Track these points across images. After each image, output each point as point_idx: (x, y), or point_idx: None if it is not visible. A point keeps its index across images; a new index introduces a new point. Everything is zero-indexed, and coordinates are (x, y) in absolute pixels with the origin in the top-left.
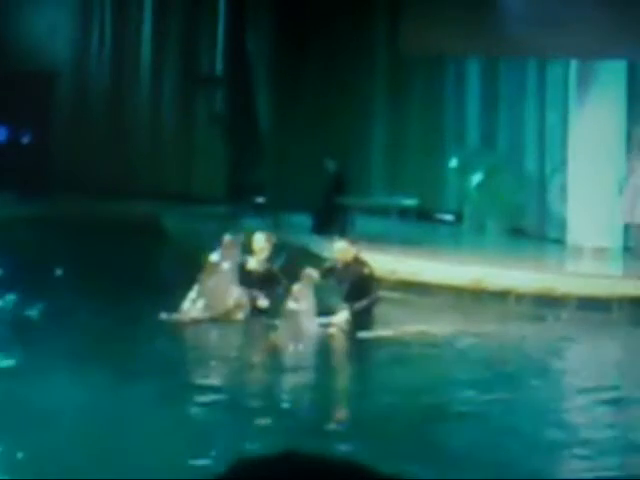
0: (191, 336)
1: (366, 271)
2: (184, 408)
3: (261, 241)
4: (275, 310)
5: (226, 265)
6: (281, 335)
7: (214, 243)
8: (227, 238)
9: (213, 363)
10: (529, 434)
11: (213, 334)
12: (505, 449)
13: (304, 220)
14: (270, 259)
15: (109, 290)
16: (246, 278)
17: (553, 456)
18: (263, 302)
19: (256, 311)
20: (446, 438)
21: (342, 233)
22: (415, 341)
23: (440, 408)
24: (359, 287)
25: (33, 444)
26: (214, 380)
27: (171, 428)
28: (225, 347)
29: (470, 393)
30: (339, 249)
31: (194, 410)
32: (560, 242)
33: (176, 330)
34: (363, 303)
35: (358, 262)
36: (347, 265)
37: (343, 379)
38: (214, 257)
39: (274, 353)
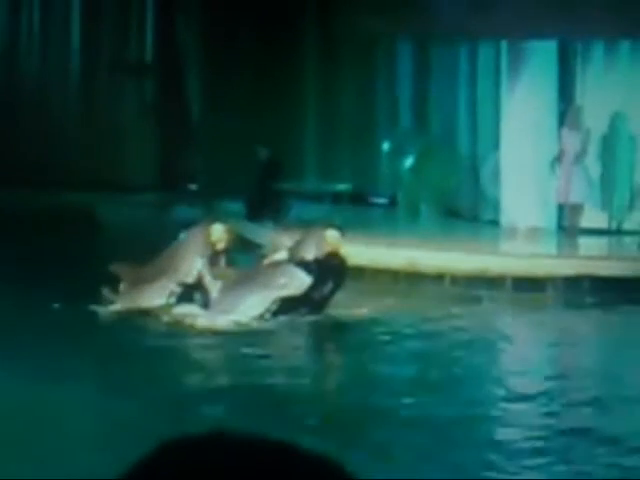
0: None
1: (346, 267)
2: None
3: (219, 232)
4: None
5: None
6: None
7: (148, 231)
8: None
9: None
10: (458, 421)
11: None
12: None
13: (237, 207)
14: (228, 252)
15: (40, 282)
16: None
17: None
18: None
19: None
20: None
21: (276, 219)
22: (350, 324)
23: (365, 400)
24: (334, 280)
25: None
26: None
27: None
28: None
29: (402, 379)
30: (332, 238)
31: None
32: (494, 223)
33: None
34: (326, 293)
35: (340, 255)
36: (330, 256)
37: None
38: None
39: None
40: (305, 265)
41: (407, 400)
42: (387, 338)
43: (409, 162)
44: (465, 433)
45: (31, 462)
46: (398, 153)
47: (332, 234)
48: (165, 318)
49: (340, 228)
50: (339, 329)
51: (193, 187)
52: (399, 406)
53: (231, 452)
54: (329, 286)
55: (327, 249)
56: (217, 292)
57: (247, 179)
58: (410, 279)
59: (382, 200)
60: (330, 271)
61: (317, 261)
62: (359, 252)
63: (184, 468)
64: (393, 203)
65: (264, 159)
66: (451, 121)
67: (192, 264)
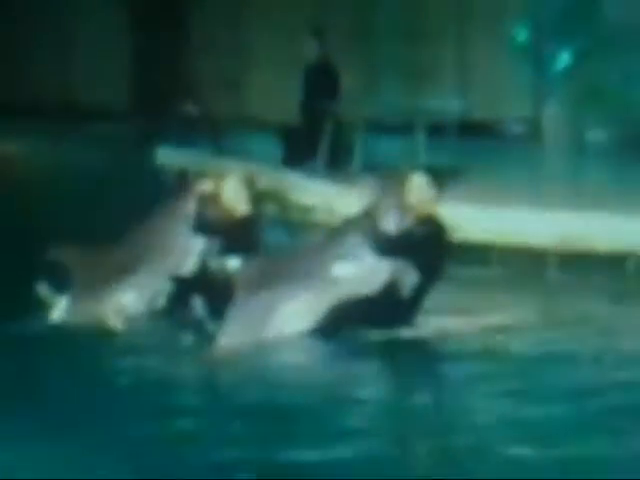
0: None
1: (445, 239)
2: None
3: (234, 189)
4: None
5: None
6: None
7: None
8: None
9: None
10: None
11: None
12: None
13: (266, 142)
14: (253, 223)
15: None
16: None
17: None
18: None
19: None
20: None
21: (333, 164)
22: (487, 340)
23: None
24: (429, 265)
25: None
26: None
27: None
28: None
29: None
30: (422, 191)
31: None
32: None
33: None
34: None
35: (435, 221)
36: (421, 223)
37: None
38: None
39: None
40: (381, 242)
41: None
42: (540, 367)
43: (561, 64)
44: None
45: None
46: (542, 48)
47: (422, 185)
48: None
49: (438, 174)
50: (443, 356)
51: (191, 109)
52: None
53: None
54: (422, 276)
55: (415, 212)
56: (236, 293)
57: (285, 96)
58: (566, 263)
59: (517, 128)
60: (421, 250)
61: (400, 235)
62: (479, 219)
63: None
64: (534, 132)
65: (314, 64)
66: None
67: (189, 244)
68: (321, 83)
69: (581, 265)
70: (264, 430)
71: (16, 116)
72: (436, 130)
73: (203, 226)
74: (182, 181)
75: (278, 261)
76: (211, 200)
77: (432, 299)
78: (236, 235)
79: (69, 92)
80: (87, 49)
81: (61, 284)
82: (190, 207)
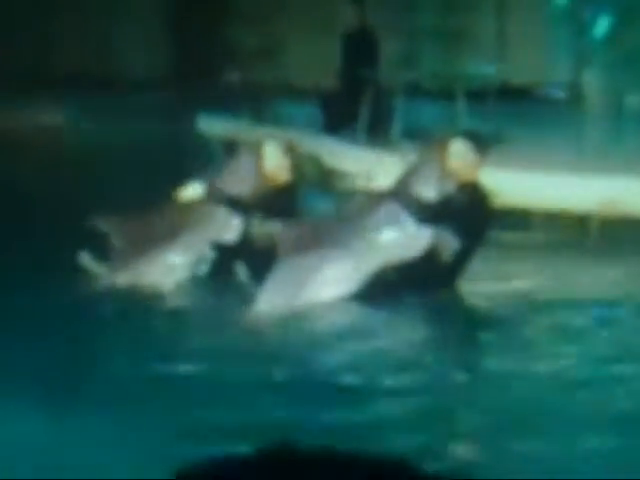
0: None
1: (487, 205)
2: None
3: (276, 154)
4: None
5: None
6: None
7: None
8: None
9: None
10: None
11: None
12: None
13: (306, 109)
14: (292, 190)
15: None
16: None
17: None
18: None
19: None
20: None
21: (374, 130)
22: (516, 306)
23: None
24: (471, 231)
25: None
26: None
27: None
28: None
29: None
30: (463, 157)
31: None
32: None
33: None
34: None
35: (477, 187)
36: (463, 189)
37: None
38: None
39: None
40: (420, 209)
41: None
42: (573, 332)
43: (602, 27)
44: None
45: None
46: (582, 12)
47: (464, 151)
48: None
49: (480, 140)
50: (484, 316)
51: (233, 76)
52: None
53: (298, 468)
54: (463, 242)
55: (456, 177)
56: (277, 258)
57: (327, 63)
58: (607, 229)
59: (557, 93)
60: (463, 216)
61: (440, 201)
62: (521, 183)
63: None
64: (573, 97)
65: (353, 31)
66: None
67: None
68: (360, 49)
69: (622, 230)
70: (302, 396)
71: (57, 87)
72: (475, 96)
73: (222, 198)
74: (224, 149)
75: (319, 226)
76: (246, 168)
77: (471, 264)
78: (275, 202)
79: (108, 61)
80: (125, 17)
81: (104, 252)
82: (223, 178)
